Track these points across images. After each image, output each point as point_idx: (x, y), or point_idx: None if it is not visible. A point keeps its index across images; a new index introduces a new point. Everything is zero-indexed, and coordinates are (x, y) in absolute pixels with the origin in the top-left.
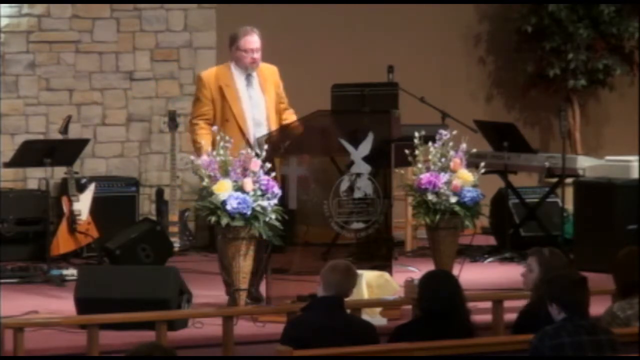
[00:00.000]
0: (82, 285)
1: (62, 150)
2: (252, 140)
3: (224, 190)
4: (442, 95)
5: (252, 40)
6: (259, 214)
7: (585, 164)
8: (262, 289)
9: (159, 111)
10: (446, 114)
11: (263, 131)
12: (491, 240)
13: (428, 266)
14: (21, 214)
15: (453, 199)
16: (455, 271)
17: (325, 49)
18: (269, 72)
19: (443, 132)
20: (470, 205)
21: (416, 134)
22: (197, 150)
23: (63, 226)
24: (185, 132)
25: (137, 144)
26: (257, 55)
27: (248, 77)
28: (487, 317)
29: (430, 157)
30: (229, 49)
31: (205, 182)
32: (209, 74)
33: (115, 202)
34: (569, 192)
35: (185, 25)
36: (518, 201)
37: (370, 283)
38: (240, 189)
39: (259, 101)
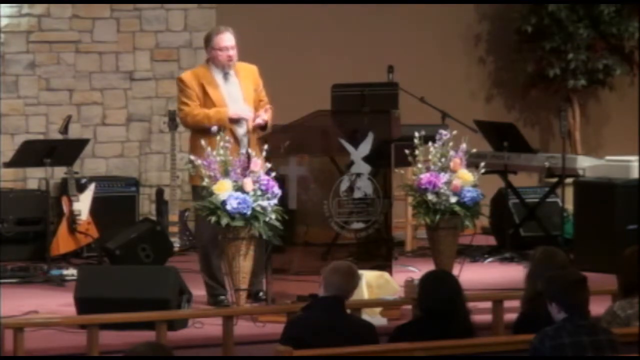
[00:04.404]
0: (82, 285)
1: (62, 150)
2: (238, 135)
3: (224, 190)
4: (442, 95)
5: (226, 38)
6: (259, 214)
7: (585, 164)
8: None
9: (159, 111)
10: (446, 114)
11: (243, 127)
12: (491, 240)
13: (428, 266)
14: (21, 214)
15: (453, 199)
16: (455, 271)
17: (325, 49)
18: (249, 71)
19: (443, 132)
20: (470, 205)
21: (416, 134)
22: (200, 122)
23: (63, 226)
24: (185, 132)
25: (137, 144)
26: (233, 53)
27: (225, 75)
28: (487, 317)
29: (430, 157)
30: (205, 50)
31: (205, 182)
32: (189, 74)
33: (115, 202)
34: (569, 192)
35: (185, 25)
36: (518, 201)
37: (370, 283)
38: (240, 189)
39: (237, 98)
